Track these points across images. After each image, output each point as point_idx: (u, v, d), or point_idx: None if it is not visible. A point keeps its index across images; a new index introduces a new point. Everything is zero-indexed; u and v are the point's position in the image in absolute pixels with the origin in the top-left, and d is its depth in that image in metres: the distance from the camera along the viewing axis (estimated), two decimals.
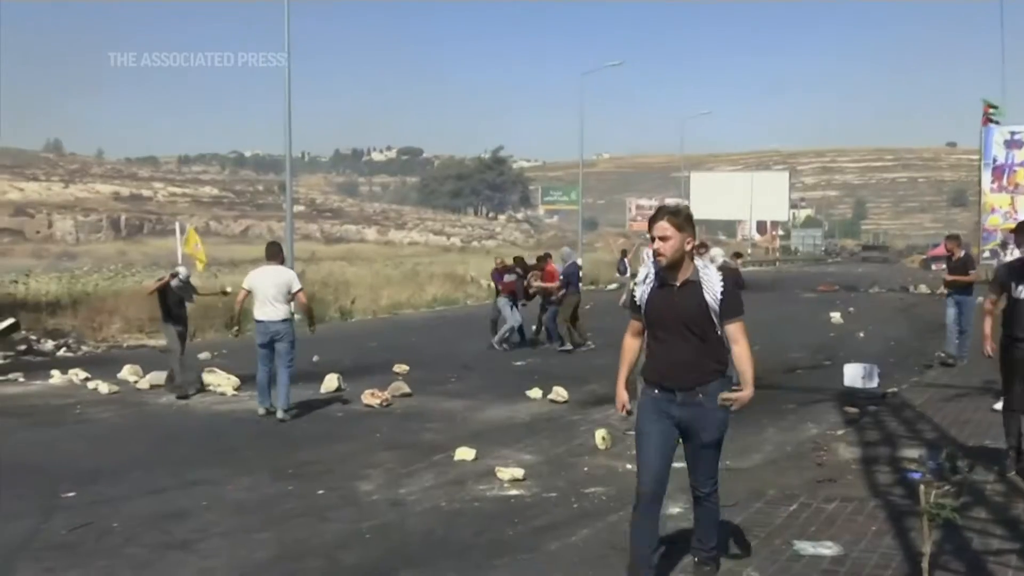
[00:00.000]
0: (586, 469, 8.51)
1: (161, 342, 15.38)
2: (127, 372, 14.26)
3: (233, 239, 77.92)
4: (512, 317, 18.04)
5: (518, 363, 15.96)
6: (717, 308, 5.01)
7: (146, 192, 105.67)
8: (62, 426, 11.09)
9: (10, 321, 19.62)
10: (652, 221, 5.11)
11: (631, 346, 5.40)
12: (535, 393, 12.34)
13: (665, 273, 5.11)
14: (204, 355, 16.57)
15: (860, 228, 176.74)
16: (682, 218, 5.06)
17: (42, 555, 6.27)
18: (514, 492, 7.70)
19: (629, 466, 8.61)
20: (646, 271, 5.25)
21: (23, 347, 18.73)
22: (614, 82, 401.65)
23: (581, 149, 56.98)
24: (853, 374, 12.71)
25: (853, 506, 6.96)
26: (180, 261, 16.04)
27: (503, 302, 18.24)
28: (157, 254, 51.86)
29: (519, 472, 8.07)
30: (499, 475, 8.05)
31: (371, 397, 11.86)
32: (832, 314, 24.10)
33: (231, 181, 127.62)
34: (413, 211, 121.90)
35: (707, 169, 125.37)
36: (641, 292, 5.20)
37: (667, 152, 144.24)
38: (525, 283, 18.49)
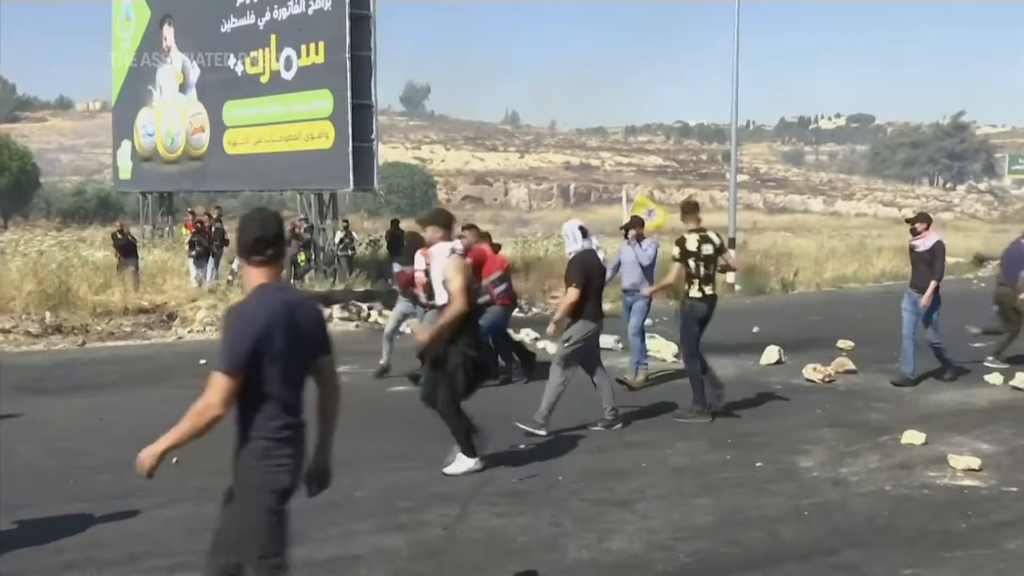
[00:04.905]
0: None
1: None
2: None
3: (675, 208, 79.11)
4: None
5: (978, 345, 14.53)
6: None
7: (594, 161, 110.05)
8: (515, 381, 11.81)
9: None
10: None
11: None
12: (995, 379, 11.37)
13: None
14: (647, 322, 16.95)
15: None
16: None
17: (494, 500, 6.72)
18: (968, 483, 7.16)
19: None
20: None
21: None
22: None
23: None
24: None
25: None
26: None
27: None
28: (603, 221, 53.70)
29: (975, 461, 7.50)
30: (951, 463, 7.53)
31: (813, 372, 11.55)
32: None
33: (675, 151, 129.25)
34: (862, 181, 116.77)
35: None
36: None
37: None
38: None
